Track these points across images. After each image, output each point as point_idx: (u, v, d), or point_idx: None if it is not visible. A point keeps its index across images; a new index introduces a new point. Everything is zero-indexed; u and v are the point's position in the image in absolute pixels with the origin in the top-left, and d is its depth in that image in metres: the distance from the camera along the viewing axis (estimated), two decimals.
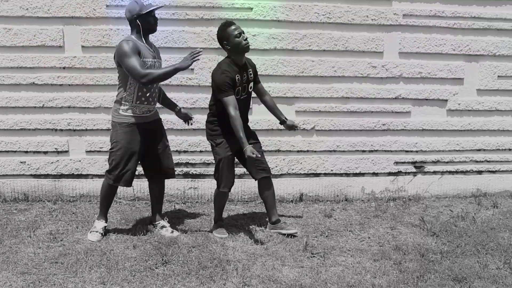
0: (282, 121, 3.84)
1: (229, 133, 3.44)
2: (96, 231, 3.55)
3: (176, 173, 4.46)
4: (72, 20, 4.22)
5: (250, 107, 3.76)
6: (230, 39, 3.40)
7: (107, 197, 3.63)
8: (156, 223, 3.77)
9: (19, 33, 4.20)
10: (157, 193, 3.81)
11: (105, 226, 3.63)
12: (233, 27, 3.41)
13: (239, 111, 3.36)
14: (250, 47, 3.46)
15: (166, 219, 3.83)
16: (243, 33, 3.43)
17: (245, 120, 3.59)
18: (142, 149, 3.54)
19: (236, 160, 3.69)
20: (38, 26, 4.20)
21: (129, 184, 3.56)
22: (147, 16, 3.42)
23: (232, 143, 3.52)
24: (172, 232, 3.68)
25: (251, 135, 3.66)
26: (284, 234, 3.66)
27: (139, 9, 3.39)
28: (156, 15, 3.53)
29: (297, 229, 3.74)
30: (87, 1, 4.18)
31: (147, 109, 3.53)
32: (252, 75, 3.60)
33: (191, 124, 3.96)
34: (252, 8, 4.31)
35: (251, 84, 3.60)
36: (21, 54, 4.22)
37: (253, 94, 3.75)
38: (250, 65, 3.62)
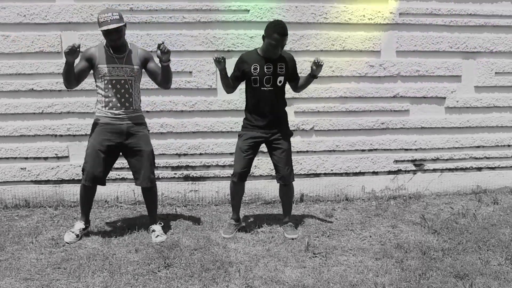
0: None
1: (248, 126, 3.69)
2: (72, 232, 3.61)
3: (176, 176, 4.50)
4: (69, 26, 4.23)
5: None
6: None
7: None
8: (149, 227, 3.75)
9: (17, 40, 4.20)
10: (145, 199, 3.82)
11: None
12: None
13: (261, 102, 3.59)
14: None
15: (160, 223, 3.78)
16: None
17: (270, 112, 3.64)
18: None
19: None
20: (36, 32, 4.21)
21: None
22: None
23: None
24: (157, 236, 3.60)
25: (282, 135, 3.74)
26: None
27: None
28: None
29: (297, 234, 3.74)
30: (84, 7, 4.19)
31: None
32: (283, 70, 3.61)
33: None
34: (249, 10, 4.32)
35: (280, 78, 3.61)
36: (20, 61, 4.23)
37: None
38: (284, 59, 3.63)
